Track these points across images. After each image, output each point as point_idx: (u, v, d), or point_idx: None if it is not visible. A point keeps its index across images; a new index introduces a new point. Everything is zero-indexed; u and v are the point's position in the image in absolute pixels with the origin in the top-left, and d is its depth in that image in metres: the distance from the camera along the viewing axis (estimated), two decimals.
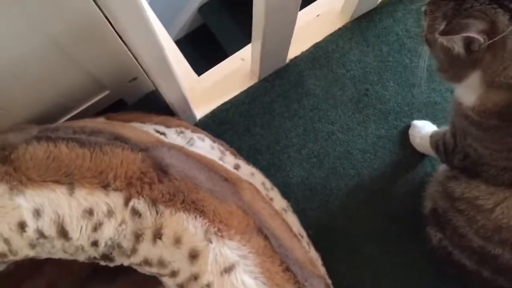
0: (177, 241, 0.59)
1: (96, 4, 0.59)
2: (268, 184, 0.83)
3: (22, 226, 0.58)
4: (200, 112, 1.02)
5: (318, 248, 0.91)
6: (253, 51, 0.94)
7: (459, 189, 0.77)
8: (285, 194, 0.98)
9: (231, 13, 1.59)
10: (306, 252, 0.73)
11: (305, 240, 0.82)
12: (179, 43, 1.98)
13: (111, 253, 0.61)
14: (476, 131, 0.71)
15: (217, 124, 1.01)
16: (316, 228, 0.98)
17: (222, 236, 0.59)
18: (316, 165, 1.01)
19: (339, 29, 1.06)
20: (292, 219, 0.82)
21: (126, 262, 0.63)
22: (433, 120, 1.01)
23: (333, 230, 0.99)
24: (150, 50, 0.63)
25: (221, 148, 0.83)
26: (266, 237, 0.63)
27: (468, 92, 0.67)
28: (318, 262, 0.84)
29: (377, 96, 1.03)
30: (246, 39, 1.38)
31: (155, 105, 0.97)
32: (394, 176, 1.01)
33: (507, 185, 0.70)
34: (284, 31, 0.86)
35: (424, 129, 0.99)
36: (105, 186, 0.59)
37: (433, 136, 0.93)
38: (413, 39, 1.06)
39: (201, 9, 1.77)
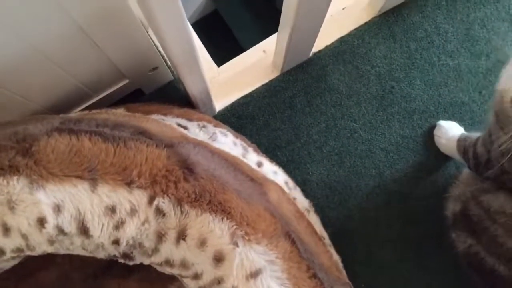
0: (202, 243, 0.56)
1: None
2: (291, 183, 0.80)
3: (41, 222, 0.55)
4: (219, 104, 0.99)
5: (335, 248, 0.89)
6: (278, 42, 0.91)
7: (496, 203, 0.74)
8: (303, 191, 0.95)
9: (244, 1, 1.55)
10: (331, 257, 0.71)
11: (328, 243, 0.79)
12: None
13: (131, 252, 0.59)
14: None
15: (236, 118, 0.98)
16: (333, 228, 0.95)
17: (249, 240, 0.56)
18: (337, 163, 0.98)
19: (366, 23, 1.02)
20: (315, 220, 0.79)
21: (146, 262, 0.61)
22: (460, 122, 0.98)
23: (350, 231, 0.96)
24: (180, 43, 0.60)
25: (244, 144, 0.80)
26: (293, 242, 0.60)
27: None
28: (340, 265, 0.81)
29: (403, 94, 1.00)
30: (257, 27, 1.34)
31: (173, 95, 0.94)
32: (416, 178, 0.98)
33: None
34: (314, 21, 0.83)
35: (451, 130, 0.95)
36: (129, 183, 0.56)
37: (461, 140, 0.90)
38: (442, 36, 1.02)
39: None
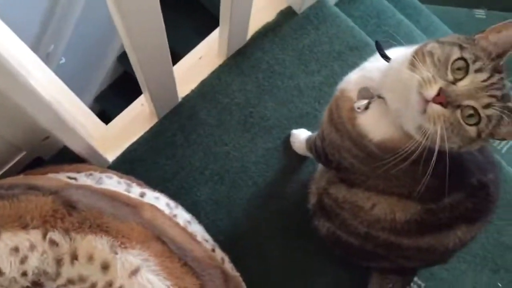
0: (90, 258, 0.74)
1: None
2: (172, 204, 1.00)
3: None
4: (112, 155, 1.18)
5: (229, 250, 1.09)
6: (146, 99, 1.12)
7: (341, 194, 0.93)
8: (195, 210, 1.15)
9: None
10: (206, 251, 0.90)
11: (210, 243, 0.99)
12: (104, 93, 2.15)
13: (39, 280, 0.76)
14: (359, 153, 0.83)
15: (128, 163, 1.18)
16: (226, 235, 1.16)
17: (125, 247, 0.75)
18: (218, 182, 1.19)
19: (220, 66, 1.26)
20: (197, 229, 0.99)
21: (53, 285, 0.78)
22: (308, 127, 1.22)
23: (240, 234, 1.17)
24: (42, 114, 0.79)
25: (128, 181, 0.99)
26: (163, 243, 0.79)
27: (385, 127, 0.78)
28: (226, 258, 1.01)
29: (260, 116, 1.24)
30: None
31: (71, 156, 1.12)
32: (284, 179, 1.21)
33: (378, 191, 0.87)
34: (164, 81, 1.05)
35: (300, 135, 1.19)
36: (25, 227, 0.74)
37: (308, 140, 1.14)
38: (281, 65, 1.28)
39: (120, 58, 1.96)
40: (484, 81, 0.65)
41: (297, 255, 1.17)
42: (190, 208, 1.14)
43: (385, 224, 0.88)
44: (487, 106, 0.66)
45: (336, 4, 1.57)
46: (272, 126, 1.23)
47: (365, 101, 0.79)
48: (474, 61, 0.66)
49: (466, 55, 0.66)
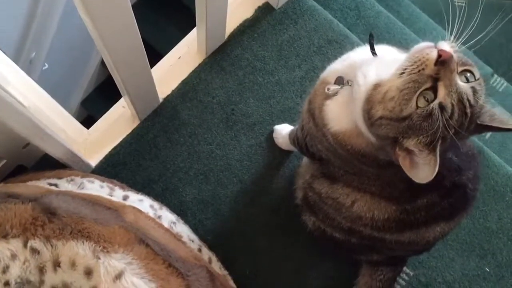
0: (73, 264, 0.74)
1: None
2: (157, 205, 1.00)
3: None
4: (95, 160, 1.17)
5: (217, 249, 1.09)
6: (126, 101, 1.11)
7: (324, 190, 0.94)
8: (182, 210, 1.15)
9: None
10: (191, 251, 0.90)
11: (196, 243, 0.99)
12: (90, 97, 2.13)
13: None
14: (327, 144, 0.85)
15: (112, 167, 1.17)
16: (214, 233, 1.15)
17: (108, 252, 0.74)
18: (204, 181, 1.19)
19: (199, 65, 1.26)
20: (182, 229, 0.99)
21: None
22: (291, 122, 1.22)
23: (228, 232, 1.16)
24: (18, 122, 0.79)
25: (110, 185, 0.98)
26: (147, 245, 0.79)
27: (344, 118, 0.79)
28: (213, 258, 1.01)
29: (242, 113, 1.24)
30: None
31: (53, 162, 1.11)
32: (269, 175, 1.21)
33: (354, 187, 0.88)
34: (142, 84, 1.04)
35: (283, 130, 1.19)
36: (5, 236, 0.73)
37: (290, 134, 1.13)
38: (261, 61, 1.27)
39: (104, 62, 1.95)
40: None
41: (286, 251, 1.17)
42: (177, 208, 1.14)
43: (366, 221, 0.89)
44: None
45: None
46: (254, 122, 1.23)
47: (337, 86, 0.82)
48: None
49: None
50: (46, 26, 1.65)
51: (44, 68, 1.76)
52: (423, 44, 0.69)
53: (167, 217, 0.98)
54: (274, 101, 1.25)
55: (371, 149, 0.78)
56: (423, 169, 0.69)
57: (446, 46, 0.67)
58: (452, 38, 0.70)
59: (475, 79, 0.68)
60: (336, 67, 0.86)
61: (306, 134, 0.92)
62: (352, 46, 1.29)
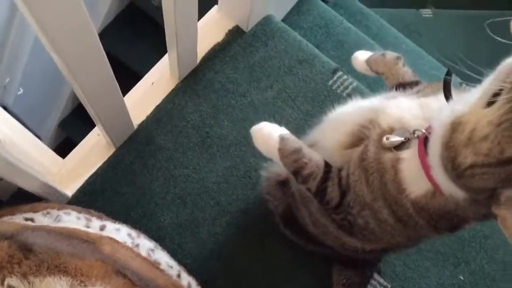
0: None
1: None
2: (134, 233, 1.01)
3: None
4: (71, 190, 1.17)
5: (197, 272, 1.10)
6: (99, 129, 1.12)
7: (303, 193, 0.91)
8: (160, 236, 1.16)
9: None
10: (170, 278, 0.91)
11: (176, 269, 1.00)
12: (68, 118, 2.12)
13: None
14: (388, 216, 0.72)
15: (89, 196, 1.17)
16: (193, 257, 1.16)
17: (85, 285, 0.75)
18: (181, 205, 1.20)
19: (173, 90, 1.27)
20: (160, 256, 1.00)
21: None
22: None
23: (207, 255, 1.17)
24: None
25: (87, 216, 0.99)
26: (125, 276, 0.80)
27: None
28: (193, 283, 1.02)
29: (217, 135, 1.26)
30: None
31: (29, 195, 1.11)
32: (246, 195, 1.22)
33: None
34: (116, 112, 1.06)
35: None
36: None
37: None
38: (234, 83, 1.30)
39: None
40: None
41: (265, 270, 1.19)
42: (155, 234, 1.15)
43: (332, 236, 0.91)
44: None
45: (285, 18, 1.61)
46: (230, 144, 1.25)
47: (399, 138, 0.70)
48: None
49: None
50: (19, 52, 1.65)
51: (19, 93, 1.75)
52: None
53: (145, 245, 0.99)
54: (248, 122, 1.27)
55: (456, 206, 0.65)
56: None
57: None
58: None
59: None
60: (390, 112, 0.74)
61: (350, 199, 0.77)
62: (322, 65, 1.34)
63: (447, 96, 0.66)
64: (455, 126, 0.57)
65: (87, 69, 0.80)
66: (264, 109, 1.29)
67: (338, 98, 1.31)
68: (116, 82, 0.93)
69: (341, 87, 1.33)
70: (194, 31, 1.12)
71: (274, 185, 1.07)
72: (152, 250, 1.00)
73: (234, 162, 1.24)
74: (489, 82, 0.55)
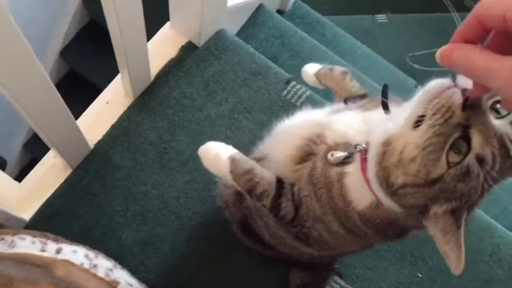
0: None
1: None
2: (92, 254, 1.01)
3: None
4: (29, 213, 1.16)
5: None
6: (54, 153, 1.12)
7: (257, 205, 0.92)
8: (121, 254, 1.16)
9: None
10: None
11: (136, 287, 1.01)
12: (33, 139, 2.10)
13: None
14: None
15: (47, 219, 1.17)
16: (156, 273, 1.17)
17: None
18: (142, 222, 1.21)
19: (128, 108, 1.28)
20: (119, 275, 1.00)
21: None
22: None
23: (170, 269, 1.18)
24: None
25: (43, 239, 0.99)
26: None
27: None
28: None
29: (175, 150, 1.27)
30: None
31: None
32: (206, 208, 1.24)
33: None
34: (69, 136, 1.06)
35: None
36: None
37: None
38: (189, 98, 1.31)
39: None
40: None
41: (228, 280, 1.20)
42: (116, 252, 1.15)
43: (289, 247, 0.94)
44: None
45: (241, 30, 1.64)
46: (188, 159, 1.26)
47: (342, 153, 0.72)
48: None
49: None
50: None
51: None
52: (437, 83, 0.57)
53: (103, 265, 0.99)
54: (205, 136, 1.29)
55: (396, 217, 0.68)
56: (450, 254, 0.58)
57: (466, 82, 0.55)
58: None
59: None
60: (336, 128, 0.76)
61: (304, 213, 0.79)
62: (276, 76, 1.37)
63: (385, 110, 0.69)
64: (386, 147, 0.60)
65: (32, 98, 0.80)
66: (221, 122, 1.31)
67: (292, 107, 1.34)
68: (67, 108, 0.94)
69: (295, 97, 1.36)
70: (143, 51, 1.14)
71: (231, 194, 1.09)
72: (111, 269, 1.00)
73: (193, 176, 1.26)
74: (413, 105, 0.58)
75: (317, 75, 1.00)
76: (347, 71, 0.95)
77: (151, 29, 1.37)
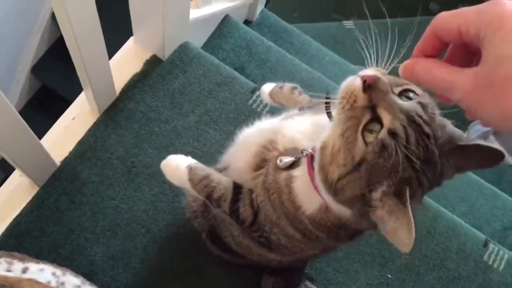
0: None
1: None
2: (59, 271, 1.01)
3: None
4: None
5: None
6: (20, 172, 1.12)
7: (223, 216, 0.94)
8: (92, 270, 1.16)
9: None
10: None
11: None
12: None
13: None
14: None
15: (14, 238, 1.16)
16: (128, 286, 1.17)
17: None
18: (112, 237, 1.21)
19: (94, 123, 1.28)
20: None
21: None
22: None
23: (141, 283, 1.18)
24: None
25: (8, 259, 0.98)
26: None
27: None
28: None
29: (142, 164, 1.27)
30: None
31: None
32: (176, 219, 1.25)
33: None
34: (33, 155, 1.06)
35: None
36: None
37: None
38: (155, 111, 1.32)
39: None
40: None
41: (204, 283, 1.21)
42: (86, 269, 1.16)
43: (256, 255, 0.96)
44: None
45: (207, 41, 1.66)
46: (155, 172, 1.27)
47: (290, 158, 0.75)
48: None
49: None
50: None
51: None
52: (347, 80, 0.63)
53: (71, 282, 0.99)
54: (173, 148, 1.30)
55: (348, 220, 0.70)
56: (399, 232, 0.59)
57: (369, 71, 0.62)
58: (374, 64, 0.64)
59: (418, 95, 0.61)
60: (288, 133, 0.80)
61: (262, 218, 0.81)
62: (241, 86, 1.39)
63: (329, 116, 0.71)
64: (323, 150, 0.64)
65: None
66: (188, 134, 1.32)
67: (259, 116, 1.36)
68: (29, 129, 0.94)
69: (261, 106, 1.38)
70: (105, 67, 1.14)
71: (199, 204, 1.10)
72: (79, 286, 1.00)
73: (162, 189, 1.26)
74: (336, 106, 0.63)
75: (271, 94, 1.03)
76: (296, 87, 0.98)
77: (117, 44, 1.38)
